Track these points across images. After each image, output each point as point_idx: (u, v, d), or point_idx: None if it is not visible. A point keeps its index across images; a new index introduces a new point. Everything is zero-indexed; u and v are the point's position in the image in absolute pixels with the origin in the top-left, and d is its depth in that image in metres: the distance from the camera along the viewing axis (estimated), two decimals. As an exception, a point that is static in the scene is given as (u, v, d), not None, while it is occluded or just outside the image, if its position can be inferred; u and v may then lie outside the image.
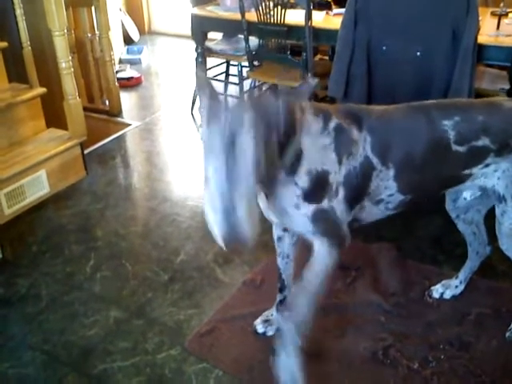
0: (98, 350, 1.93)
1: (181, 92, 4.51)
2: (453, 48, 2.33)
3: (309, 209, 1.46)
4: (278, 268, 1.86)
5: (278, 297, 1.92)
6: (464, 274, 2.09)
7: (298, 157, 1.40)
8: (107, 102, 4.10)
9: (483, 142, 1.50)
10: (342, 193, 1.47)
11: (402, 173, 1.51)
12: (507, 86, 2.78)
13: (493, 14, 2.98)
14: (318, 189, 1.45)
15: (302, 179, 1.42)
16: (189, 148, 3.57)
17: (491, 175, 1.59)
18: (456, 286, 2.09)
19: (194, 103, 4.06)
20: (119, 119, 4.01)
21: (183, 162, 3.39)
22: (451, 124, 1.48)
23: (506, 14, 2.95)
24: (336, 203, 1.48)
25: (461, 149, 1.50)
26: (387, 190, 1.53)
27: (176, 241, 2.53)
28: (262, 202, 1.51)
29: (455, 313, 2.00)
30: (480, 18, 2.64)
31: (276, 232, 1.80)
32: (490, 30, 2.73)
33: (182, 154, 3.49)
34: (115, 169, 3.30)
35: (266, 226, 2.63)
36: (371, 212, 1.59)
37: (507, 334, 1.90)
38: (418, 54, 2.37)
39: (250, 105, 1.20)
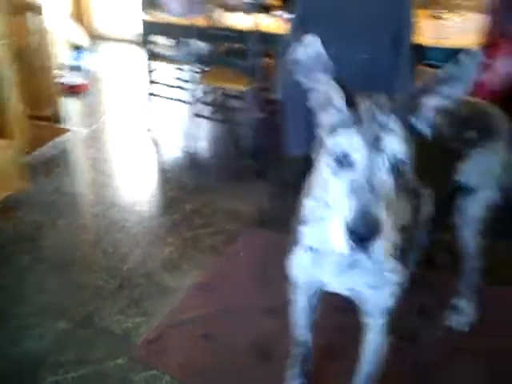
0: (48, 362, 1.87)
1: (127, 98, 4.45)
2: (394, 50, 2.38)
3: (402, 276, 1.26)
4: (302, 345, 1.60)
5: (298, 383, 1.67)
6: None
7: None
8: (50, 110, 3.99)
9: (471, 134, 1.53)
10: None
11: (433, 188, 1.45)
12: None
13: (432, 16, 3.08)
14: (406, 246, 1.25)
15: (398, 236, 1.13)
16: (136, 153, 3.52)
17: (464, 168, 1.59)
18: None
19: (144, 108, 4.02)
20: (63, 126, 3.90)
21: (130, 167, 3.35)
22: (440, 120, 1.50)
23: (444, 17, 3.06)
24: None
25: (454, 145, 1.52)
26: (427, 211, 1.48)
27: (125, 247, 2.48)
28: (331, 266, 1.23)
29: (399, 305, 2.03)
30: (419, 21, 2.73)
31: (305, 299, 1.49)
32: (429, 32, 2.82)
33: (129, 159, 3.45)
34: (60, 177, 3.21)
35: (211, 229, 2.72)
36: None
37: (451, 323, 1.96)
38: (365, 56, 2.41)
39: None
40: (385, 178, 0.95)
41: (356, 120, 0.97)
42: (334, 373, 1.76)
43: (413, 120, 1.01)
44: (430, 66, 3.18)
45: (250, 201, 2.88)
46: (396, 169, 0.96)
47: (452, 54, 0.94)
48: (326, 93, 1.02)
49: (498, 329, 1.95)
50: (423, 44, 2.64)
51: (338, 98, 0.99)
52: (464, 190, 1.67)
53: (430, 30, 2.85)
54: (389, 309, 1.32)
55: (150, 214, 2.78)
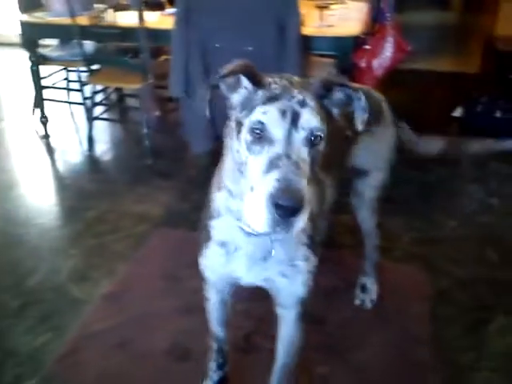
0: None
1: (17, 103, 4.22)
2: (280, 41, 2.45)
3: (314, 264, 1.30)
4: (219, 340, 1.62)
5: (218, 374, 1.68)
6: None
7: None
8: None
9: None
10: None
11: (334, 177, 1.52)
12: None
13: (316, 6, 3.18)
14: (316, 235, 1.30)
15: (307, 224, 1.19)
16: (30, 162, 3.36)
17: (357, 153, 1.68)
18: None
19: (33, 114, 3.83)
20: None
21: (26, 178, 3.18)
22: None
23: (328, 6, 3.17)
24: None
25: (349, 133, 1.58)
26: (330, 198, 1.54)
27: (26, 264, 2.37)
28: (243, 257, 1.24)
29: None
30: (304, 11, 2.82)
31: (218, 296, 1.51)
32: (314, 22, 2.92)
33: (24, 169, 3.28)
34: None
35: (119, 235, 2.65)
36: None
37: (356, 302, 2.07)
38: (250, 49, 2.45)
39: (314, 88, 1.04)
40: (303, 152, 0.97)
41: (271, 96, 0.98)
42: (251, 365, 1.80)
43: (324, 101, 1.05)
44: (322, 55, 3.31)
45: (157, 201, 2.85)
46: (312, 142, 0.98)
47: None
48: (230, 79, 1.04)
49: (398, 305, 2.07)
50: (308, 34, 2.73)
51: (242, 79, 1.02)
52: (358, 173, 1.77)
53: (315, 20, 2.94)
54: (302, 298, 1.35)
55: (50, 225, 2.67)
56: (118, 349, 1.88)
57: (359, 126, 1.07)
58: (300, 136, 0.97)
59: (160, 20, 3.17)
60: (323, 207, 1.47)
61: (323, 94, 1.04)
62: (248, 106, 1.01)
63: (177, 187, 2.99)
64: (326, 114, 1.03)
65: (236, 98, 1.05)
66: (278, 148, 0.95)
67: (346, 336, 1.92)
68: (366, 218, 1.90)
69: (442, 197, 2.89)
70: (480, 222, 2.64)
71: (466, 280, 2.22)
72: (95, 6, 3.33)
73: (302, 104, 0.98)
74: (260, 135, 0.97)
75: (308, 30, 2.79)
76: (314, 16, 3.00)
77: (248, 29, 2.44)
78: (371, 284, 2.09)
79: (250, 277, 1.29)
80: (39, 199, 2.94)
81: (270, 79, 1.02)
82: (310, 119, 0.97)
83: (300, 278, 1.29)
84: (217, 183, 1.22)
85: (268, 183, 0.92)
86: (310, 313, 1.97)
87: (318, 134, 0.99)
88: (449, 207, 2.78)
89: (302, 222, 0.93)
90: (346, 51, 2.84)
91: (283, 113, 0.96)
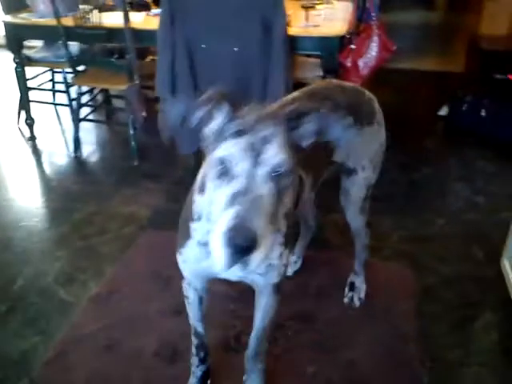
0: None
1: (1, 105, 4.19)
2: (266, 41, 2.45)
3: (287, 258, 1.35)
4: (199, 335, 1.65)
5: (200, 369, 1.70)
6: (299, 249, 2.23)
7: None
8: None
9: (349, 120, 1.59)
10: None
11: (312, 177, 1.54)
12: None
13: (302, 6, 3.19)
14: (290, 230, 1.33)
15: (282, 223, 1.27)
16: (16, 165, 3.33)
17: (345, 152, 1.68)
18: (295, 262, 2.23)
19: (19, 116, 3.80)
20: None
21: (11, 181, 3.16)
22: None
23: (314, 6, 3.18)
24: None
25: None
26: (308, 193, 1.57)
27: (12, 268, 2.34)
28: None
29: (297, 288, 2.13)
30: (290, 12, 2.83)
31: (197, 294, 1.54)
32: (300, 22, 2.93)
33: (9, 172, 3.25)
34: None
35: (106, 236, 2.63)
36: None
37: (345, 300, 2.08)
38: (236, 49, 2.45)
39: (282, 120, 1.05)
40: (265, 189, 0.97)
41: (239, 131, 0.99)
42: (241, 365, 1.79)
43: (293, 134, 1.05)
44: (308, 55, 3.33)
45: (144, 203, 2.84)
46: (277, 179, 0.99)
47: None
48: (208, 112, 1.04)
49: (385, 303, 2.08)
50: (294, 34, 2.73)
51: (220, 113, 1.02)
52: (346, 172, 1.77)
53: (301, 20, 2.95)
54: (277, 282, 1.40)
55: (36, 228, 2.65)
56: (107, 351, 1.87)
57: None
58: (262, 172, 0.97)
59: (146, 21, 3.16)
60: (300, 203, 1.49)
61: (293, 125, 1.05)
62: (218, 138, 1.02)
63: (164, 188, 2.99)
64: (292, 145, 1.03)
65: (208, 129, 1.06)
66: (238, 184, 0.96)
67: (335, 334, 1.93)
68: (355, 216, 1.90)
69: (429, 195, 2.91)
70: (466, 219, 2.66)
71: (452, 277, 2.25)
72: (80, 6, 3.31)
73: (266, 140, 0.98)
74: (224, 170, 0.98)
75: (294, 30, 2.79)
76: (300, 16, 3.01)
77: (234, 29, 2.44)
78: (360, 283, 2.10)
79: (227, 273, 1.30)
80: (25, 201, 2.92)
81: (243, 111, 1.03)
82: (273, 155, 0.98)
83: (274, 272, 1.34)
84: (199, 185, 1.22)
85: (225, 220, 0.93)
86: (301, 311, 2.00)
87: (282, 169, 0.99)
88: (436, 206, 2.80)
89: (259, 257, 0.94)
90: (332, 51, 2.85)
91: (246, 149, 0.97)
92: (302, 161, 1.33)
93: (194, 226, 1.27)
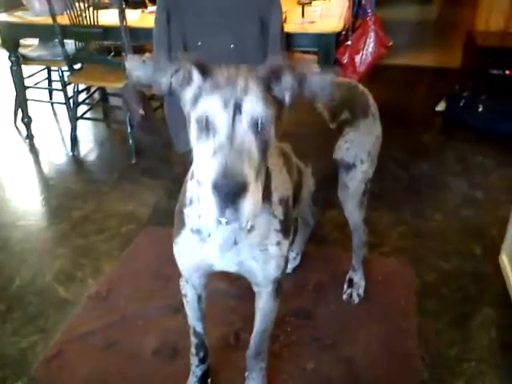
0: None
1: None
2: (263, 38, 2.45)
3: (286, 247, 1.33)
4: (199, 335, 1.64)
5: (200, 369, 1.69)
6: (298, 245, 2.24)
7: (268, 179, 1.22)
8: None
9: (345, 115, 1.61)
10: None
11: (314, 166, 1.54)
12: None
13: (298, 3, 3.19)
14: (289, 220, 1.32)
15: (278, 210, 1.27)
16: (14, 164, 3.33)
17: (342, 146, 1.69)
18: (294, 259, 2.23)
19: (16, 114, 3.79)
20: None
21: (9, 179, 3.15)
22: (321, 105, 1.56)
23: (310, 3, 3.18)
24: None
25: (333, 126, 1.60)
26: (309, 187, 1.56)
27: (10, 267, 2.34)
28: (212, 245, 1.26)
29: (295, 285, 2.13)
30: (286, 8, 2.83)
31: (195, 292, 1.52)
32: (296, 19, 2.92)
33: (7, 171, 3.24)
34: None
35: (105, 234, 2.64)
36: None
37: (344, 297, 2.08)
38: (232, 46, 2.45)
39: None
40: (247, 139, 0.97)
41: (215, 86, 0.99)
42: (241, 361, 1.79)
43: (272, 86, 1.03)
44: (305, 52, 3.32)
45: (143, 200, 2.84)
46: (257, 128, 0.98)
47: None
48: (182, 73, 1.03)
49: (385, 299, 2.09)
50: (290, 31, 2.73)
51: (193, 72, 1.02)
52: (344, 166, 1.77)
53: (297, 17, 2.95)
54: (276, 278, 1.38)
55: (35, 227, 2.64)
56: (106, 350, 1.87)
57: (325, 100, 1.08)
58: (243, 123, 0.97)
59: (142, 18, 3.16)
60: (300, 194, 1.49)
61: (271, 79, 1.03)
62: (193, 98, 1.02)
63: (163, 185, 2.98)
64: (273, 99, 1.03)
65: (187, 94, 1.05)
66: (221, 137, 0.96)
67: (334, 330, 1.93)
68: (353, 211, 1.90)
69: (427, 191, 2.91)
70: (465, 214, 2.67)
71: (451, 273, 2.25)
72: (76, 5, 3.30)
73: (243, 91, 0.98)
74: (204, 126, 0.98)
75: (290, 26, 2.80)
76: (296, 13, 3.01)
77: (230, 26, 2.43)
78: (359, 279, 2.10)
79: (223, 263, 1.30)
80: (24, 200, 2.92)
81: (218, 69, 1.02)
82: (253, 106, 0.98)
83: (273, 262, 1.31)
84: (191, 172, 1.23)
85: (211, 170, 0.93)
86: (300, 308, 2.00)
87: (263, 119, 0.99)
88: (435, 201, 2.80)
89: (249, 206, 0.93)
90: (329, 47, 2.85)
91: (225, 101, 0.97)
92: (300, 151, 1.37)
93: (186, 211, 1.27)
